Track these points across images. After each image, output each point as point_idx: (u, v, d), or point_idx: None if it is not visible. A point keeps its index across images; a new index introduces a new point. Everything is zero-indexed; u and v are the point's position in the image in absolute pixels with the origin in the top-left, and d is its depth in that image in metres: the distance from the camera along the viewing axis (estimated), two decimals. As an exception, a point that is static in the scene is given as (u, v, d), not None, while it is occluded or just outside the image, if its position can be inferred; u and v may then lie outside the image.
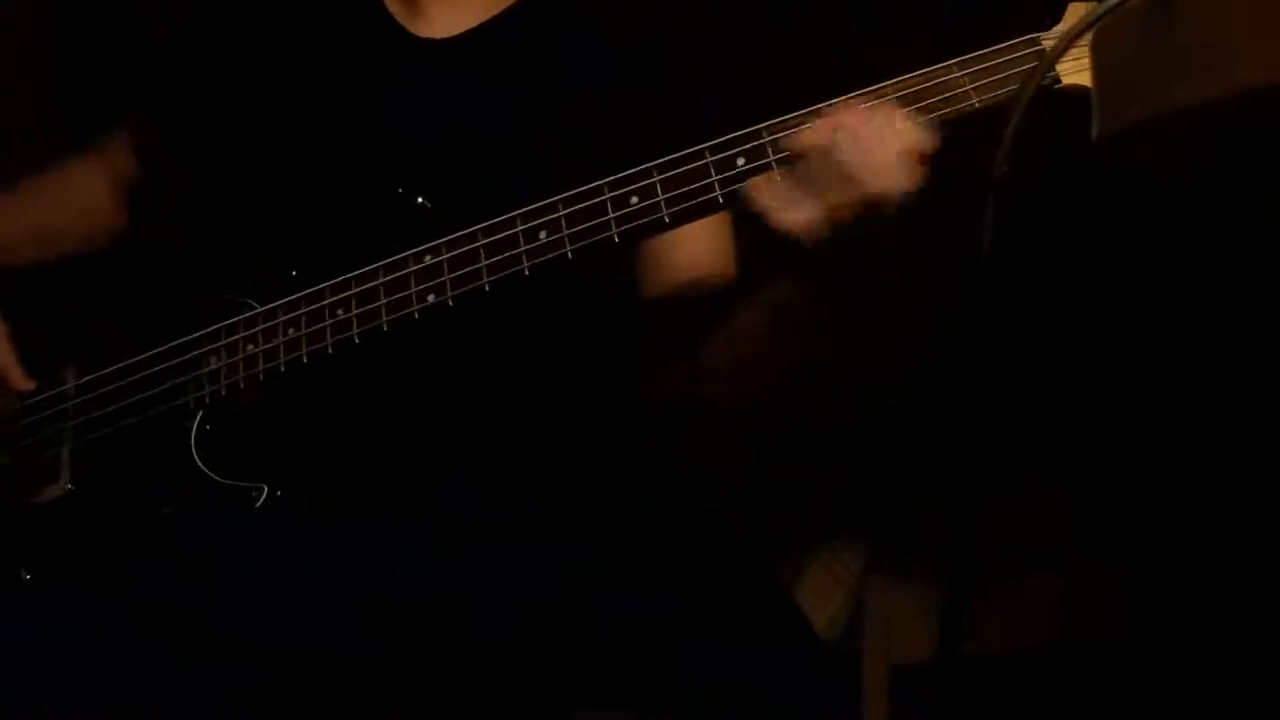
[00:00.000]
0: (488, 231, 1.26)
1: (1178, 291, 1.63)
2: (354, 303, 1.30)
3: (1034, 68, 1.08)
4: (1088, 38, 0.96)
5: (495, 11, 1.45)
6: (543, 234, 1.23)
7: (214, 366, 1.35)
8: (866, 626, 1.85)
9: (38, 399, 1.45)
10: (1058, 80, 1.12)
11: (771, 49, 1.47)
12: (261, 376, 1.33)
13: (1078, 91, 1.09)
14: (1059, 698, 1.74)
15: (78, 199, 1.65)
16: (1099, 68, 0.93)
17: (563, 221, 1.23)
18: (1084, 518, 1.78)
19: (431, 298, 1.27)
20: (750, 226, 1.21)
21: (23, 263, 1.60)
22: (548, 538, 1.36)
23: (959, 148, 1.18)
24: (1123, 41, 0.89)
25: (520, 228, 1.24)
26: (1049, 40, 1.15)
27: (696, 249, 1.40)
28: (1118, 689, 1.71)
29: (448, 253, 1.27)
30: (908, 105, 1.17)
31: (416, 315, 1.27)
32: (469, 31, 1.44)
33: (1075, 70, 1.11)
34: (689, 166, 1.20)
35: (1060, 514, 1.79)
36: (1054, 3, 1.16)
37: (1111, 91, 0.91)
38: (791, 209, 1.17)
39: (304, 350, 1.31)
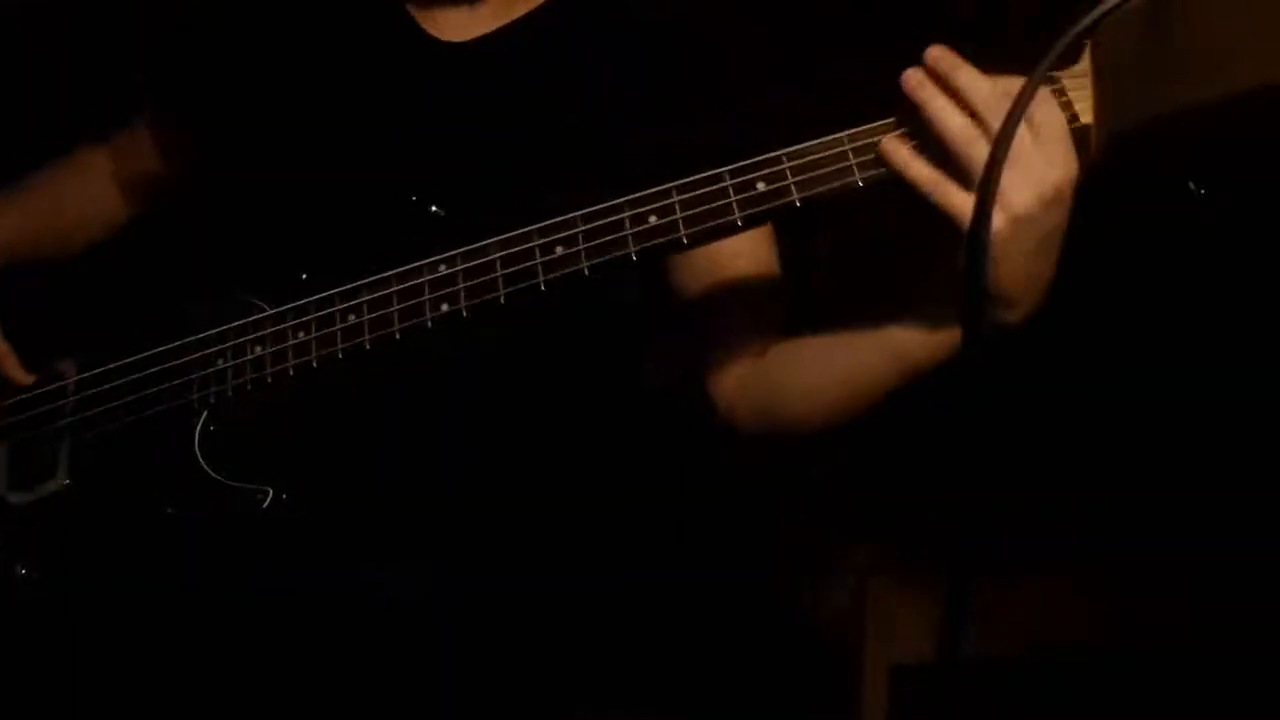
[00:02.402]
0: (504, 244, 1.25)
1: (1175, 290, 1.63)
2: (366, 309, 1.29)
3: (1035, 68, 1.08)
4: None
5: (515, 16, 1.45)
6: (559, 249, 1.23)
7: (221, 367, 1.35)
8: (866, 626, 1.84)
9: (36, 393, 1.45)
10: (1075, 118, 1.11)
11: (802, 61, 1.47)
12: (270, 379, 1.33)
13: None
14: (1058, 698, 1.73)
15: (86, 195, 1.65)
16: (1099, 68, 0.93)
17: (580, 237, 1.22)
18: (1083, 521, 1.78)
19: (445, 307, 1.26)
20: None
21: (29, 257, 1.60)
22: (547, 544, 1.36)
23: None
24: (1123, 41, 0.89)
25: (537, 242, 1.24)
26: (1068, 78, 1.14)
27: (741, 252, 1.39)
28: (1117, 689, 1.71)
29: (463, 264, 1.26)
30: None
31: (430, 324, 1.27)
32: (488, 35, 1.44)
33: (1086, 99, 1.10)
34: (708, 189, 1.20)
35: (1059, 516, 1.79)
36: (1070, 48, 1.14)
37: (1112, 91, 0.90)
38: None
39: (314, 355, 1.30)
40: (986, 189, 0.94)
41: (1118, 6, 0.88)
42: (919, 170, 1.11)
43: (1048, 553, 1.76)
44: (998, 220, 1.07)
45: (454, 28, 1.44)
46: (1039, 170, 1.07)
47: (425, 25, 1.45)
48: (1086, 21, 0.93)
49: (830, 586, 1.91)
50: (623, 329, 1.43)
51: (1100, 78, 0.94)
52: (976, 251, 0.94)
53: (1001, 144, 0.92)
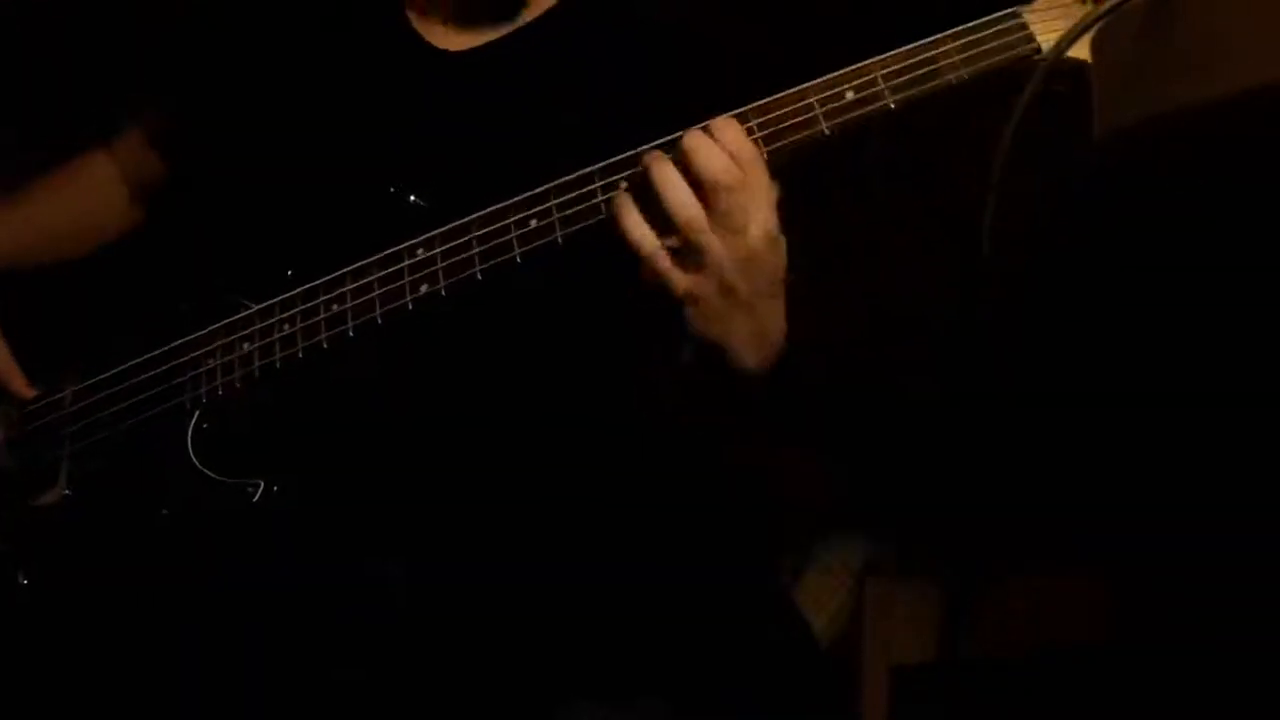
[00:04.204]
0: (480, 222, 1.27)
1: (1174, 292, 1.63)
2: (349, 296, 1.30)
3: (1033, 72, 1.08)
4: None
5: (511, 28, 1.45)
6: (534, 221, 1.24)
7: (211, 366, 1.36)
8: (866, 626, 1.85)
9: (38, 405, 1.46)
10: (1038, 50, 1.14)
11: (781, 53, 1.47)
12: (257, 374, 1.33)
13: (1065, 66, 1.10)
14: (1058, 698, 1.73)
15: (90, 197, 1.66)
16: (1099, 68, 0.94)
17: (554, 209, 1.24)
18: (1082, 521, 1.78)
19: (425, 288, 1.28)
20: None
21: (38, 262, 1.61)
22: (544, 539, 1.36)
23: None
24: (1123, 41, 0.89)
25: (512, 217, 1.25)
26: (1031, 13, 1.17)
27: None
28: (1117, 689, 1.71)
29: (441, 245, 1.27)
30: (891, 81, 1.19)
31: (410, 306, 1.28)
32: (489, 44, 1.45)
33: (1049, 31, 1.13)
34: None
35: (1059, 517, 1.79)
36: None
37: (1111, 91, 0.91)
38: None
39: (299, 346, 1.32)
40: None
41: (1119, 5, 0.88)
42: (643, 235, 1.17)
43: (1048, 553, 1.76)
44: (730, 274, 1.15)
45: (455, 37, 1.45)
46: (756, 210, 1.15)
47: (426, 35, 1.46)
48: (1088, 20, 0.93)
49: (828, 585, 1.91)
50: (619, 320, 1.43)
51: (1100, 77, 0.94)
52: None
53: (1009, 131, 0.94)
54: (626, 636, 1.32)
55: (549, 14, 1.45)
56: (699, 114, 1.23)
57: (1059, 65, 1.06)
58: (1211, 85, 0.81)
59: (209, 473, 1.34)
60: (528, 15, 1.45)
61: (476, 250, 1.26)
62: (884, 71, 1.19)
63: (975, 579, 1.02)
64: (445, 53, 1.45)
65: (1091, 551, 1.77)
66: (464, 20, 1.45)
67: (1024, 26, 1.18)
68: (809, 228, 1.25)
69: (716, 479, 1.48)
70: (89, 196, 1.65)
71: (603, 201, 1.23)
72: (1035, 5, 1.18)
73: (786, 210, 1.21)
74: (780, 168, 1.21)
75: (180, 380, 1.37)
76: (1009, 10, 1.19)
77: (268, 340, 1.33)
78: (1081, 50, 1.06)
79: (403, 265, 1.28)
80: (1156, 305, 1.65)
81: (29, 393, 1.46)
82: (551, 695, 1.28)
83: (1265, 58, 0.78)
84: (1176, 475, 1.71)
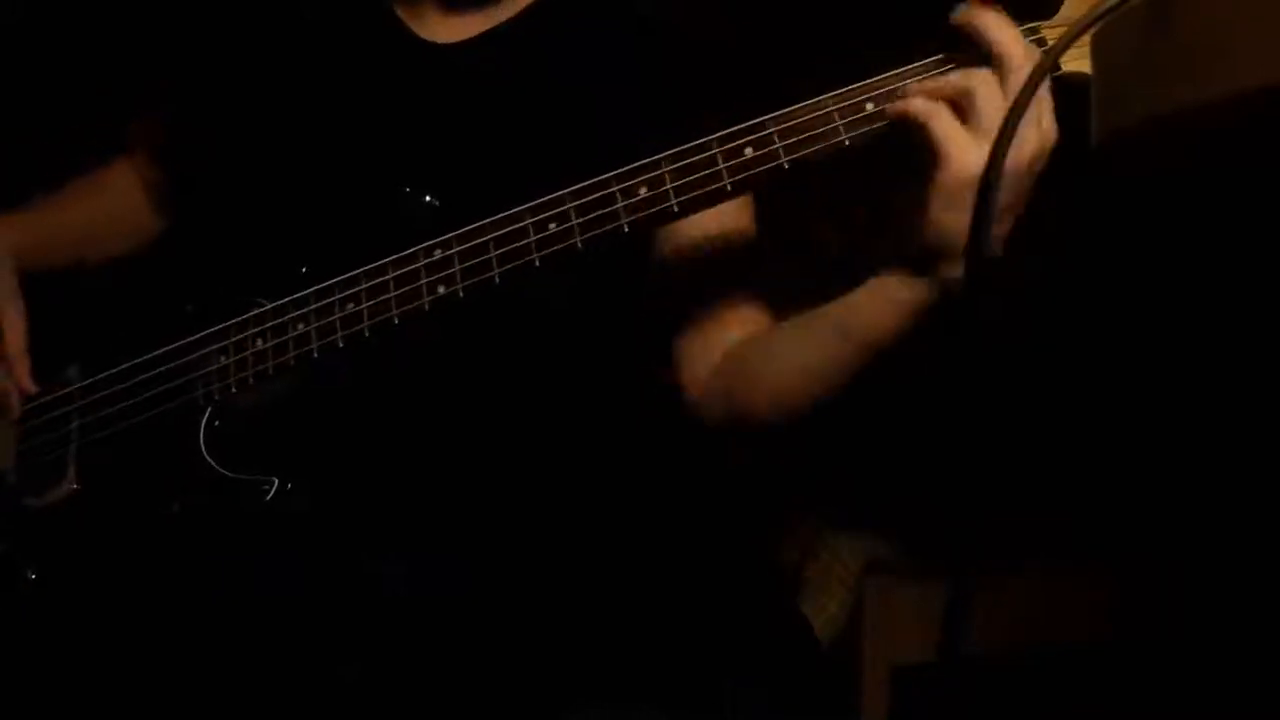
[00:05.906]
0: (497, 225, 1.27)
1: (1175, 292, 1.63)
2: (364, 296, 1.31)
3: (1035, 70, 1.08)
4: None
5: (501, 19, 1.46)
6: (552, 225, 1.25)
7: (224, 363, 1.36)
8: (866, 626, 1.84)
9: (44, 399, 1.46)
10: (1057, 68, 1.14)
11: (776, 49, 1.47)
12: (271, 372, 1.34)
13: (1077, 80, 1.11)
14: (1059, 698, 1.73)
15: (114, 202, 1.67)
16: (1099, 68, 0.93)
17: (572, 213, 1.24)
18: (1083, 518, 1.78)
19: (442, 289, 1.28)
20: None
21: (63, 264, 1.62)
22: (546, 539, 1.36)
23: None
24: (1123, 41, 0.89)
25: (529, 220, 1.25)
26: (1049, 29, 1.17)
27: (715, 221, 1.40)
28: (1117, 689, 1.71)
29: (458, 246, 1.28)
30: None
31: (427, 307, 1.28)
32: (478, 37, 1.45)
33: (1075, 57, 1.13)
34: (697, 157, 1.22)
35: (1059, 514, 1.79)
36: (1047, 3, 1.18)
37: (1111, 91, 0.91)
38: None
39: (314, 344, 1.32)
40: (1001, 144, 0.96)
41: (1119, 5, 0.88)
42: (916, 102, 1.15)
43: (1048, 551, 1.76)
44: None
45: (444, 30, 1.46)
46: (1025, 136, 1.13)
47: (416, 28, 1.46)
48: (1089, 20, 0.93)
49: (829, 585, 1.91)
50: (624, 321, 1.43)
51: (1099, 77, 0.94)
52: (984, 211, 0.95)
53: (1013, 116, 0.95)
54: (627, 636, 1.32)
55: (537, 5, 1.45)
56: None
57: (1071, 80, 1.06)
58: (1211, 85, 0.81)
59: (222, 470, 1.35)
60: (515, 6, 1.45)
61: (494, 253, 1.26)
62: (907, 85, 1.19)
63: (975, 579, 1.02)
64: (435, 45, 1.45)
65: (1092, 550, 1.77)
66: (450, 10, 1.45)
67: (1043, 42, 1.18)
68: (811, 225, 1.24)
69: (719, 481, 1.49)
70: (116, 203, 1.68)
71: (621, 208, 1.23)
72: (1054, 22, 1.18)
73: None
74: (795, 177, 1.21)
75: (193, 376, 1.37)
76: (1028, 25, 1.19)
77: (281, 339, 1.33)
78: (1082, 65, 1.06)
79: (419, 266, 1.29)
80: (1157, 305, 1.65)
81: (33, 388, 1.47)
82: (550, 696, 1.29)
83: (1265, 58, 0.78)
84: (1178, 474, 1.71)
